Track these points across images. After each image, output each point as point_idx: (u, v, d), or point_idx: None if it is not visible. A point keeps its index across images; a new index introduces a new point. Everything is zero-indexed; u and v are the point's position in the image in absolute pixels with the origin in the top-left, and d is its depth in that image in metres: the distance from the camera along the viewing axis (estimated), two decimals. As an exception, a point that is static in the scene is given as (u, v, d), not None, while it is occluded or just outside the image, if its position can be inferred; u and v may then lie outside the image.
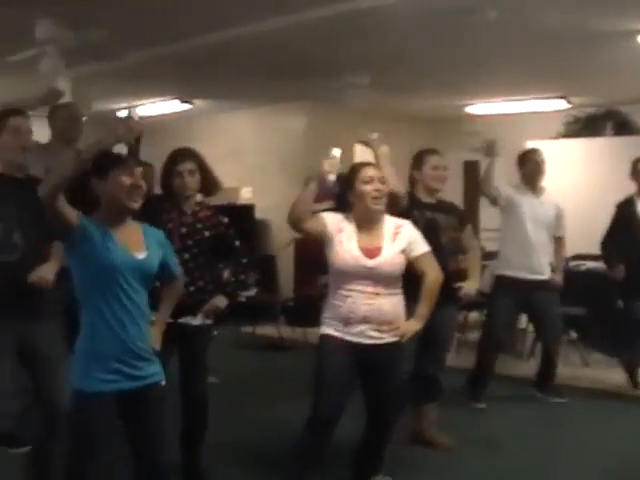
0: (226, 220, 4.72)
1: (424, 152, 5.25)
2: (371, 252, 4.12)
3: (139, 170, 3.26)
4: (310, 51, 7.21)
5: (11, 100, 4.43)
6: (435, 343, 5.01)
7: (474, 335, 8.40)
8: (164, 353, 4.41)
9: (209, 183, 4.70)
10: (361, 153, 9.73)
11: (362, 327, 4.11)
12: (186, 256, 4.46)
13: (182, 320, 4.46)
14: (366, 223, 4.19)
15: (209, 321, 4.65)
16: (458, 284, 5.07)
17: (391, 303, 4.15)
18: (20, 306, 3.74)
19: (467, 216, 5.56)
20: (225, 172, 11.85)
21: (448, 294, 4.71)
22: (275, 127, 11.50)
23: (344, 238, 4.15)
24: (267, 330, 9.40)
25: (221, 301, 4.62)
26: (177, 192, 4.56)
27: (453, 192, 9.50)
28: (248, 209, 11.50)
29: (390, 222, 4.26)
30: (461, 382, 6.45)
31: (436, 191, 5.19)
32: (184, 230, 4.51)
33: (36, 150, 4.90)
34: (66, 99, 7.84)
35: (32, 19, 5.87)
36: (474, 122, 11.38)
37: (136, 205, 3.26)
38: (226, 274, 5.00)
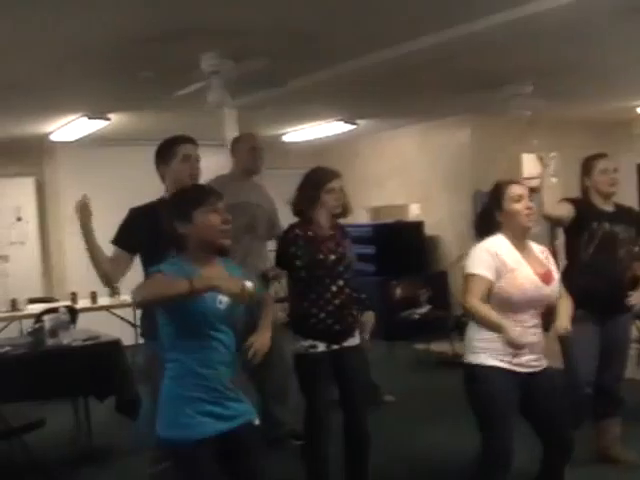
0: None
1: (591, 158, 5.08)
2: (546, 277, 3.90)
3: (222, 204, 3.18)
4: (472, 64, 7.16)
5: None
6: (612, 355, 4.84)
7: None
8: (325, 388, 4.43)
9: (348, 203, 4.54)
10: (528, 164, 9.62)
11: (528, 357, 3.89)
12: (340, 283, 4.41)
13: (346, 344, 4.45)
14: (519, 244, 3.92)
15: (366, 336, 4.59)
16: (629, 293, 4.80)
17: (541, 331, 4.01)
18: None
19: None
20: (392, 190, 12.14)
21: (622, 304, 4.62)
22: (439, 142, 11.45)
23: (513, 264, 3.85)
24: (441, 346, 9.34)
25: (371, 317, 4.57)
26: (326, 213, 4.42)
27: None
28: (418, 226, 11.50)
29: (532, 244, 4.05)
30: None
31: (611, 195, 5.00)
32: (333, 257, 4.39)
33: (219, 182, 5.08)
34: (232, 128, 8.10)
35: (197, 53, 6.08)
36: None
37: (228, 242, 3.20)
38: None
